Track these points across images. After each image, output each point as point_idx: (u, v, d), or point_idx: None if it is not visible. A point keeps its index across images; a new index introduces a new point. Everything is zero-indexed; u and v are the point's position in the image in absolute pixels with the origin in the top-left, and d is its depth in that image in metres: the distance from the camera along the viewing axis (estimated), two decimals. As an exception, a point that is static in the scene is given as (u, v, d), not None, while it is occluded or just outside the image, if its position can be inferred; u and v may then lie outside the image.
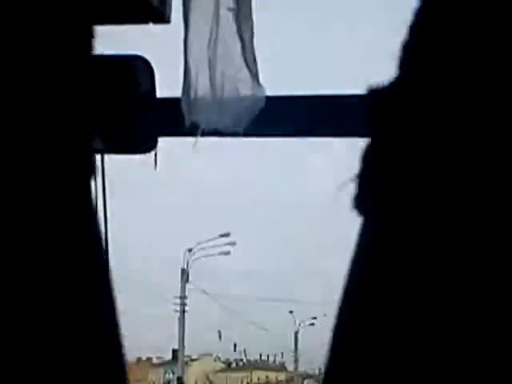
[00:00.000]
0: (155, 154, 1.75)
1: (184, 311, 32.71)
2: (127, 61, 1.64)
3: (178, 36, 1.47)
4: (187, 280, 33.62)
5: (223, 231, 31.62)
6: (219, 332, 43.79)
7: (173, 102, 1.55)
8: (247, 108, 1.23)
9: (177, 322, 32.45)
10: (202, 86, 1.25)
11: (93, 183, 0.69)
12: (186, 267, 33.61)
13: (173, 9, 1.55)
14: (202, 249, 33.13)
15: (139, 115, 1.67)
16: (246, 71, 1.23)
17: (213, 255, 33.95)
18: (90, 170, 0.70)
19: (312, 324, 43.56)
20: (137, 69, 1.62)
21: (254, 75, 1.24)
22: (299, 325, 43.57)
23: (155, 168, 1.76)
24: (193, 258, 32.94)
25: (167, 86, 1.69)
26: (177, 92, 1.55)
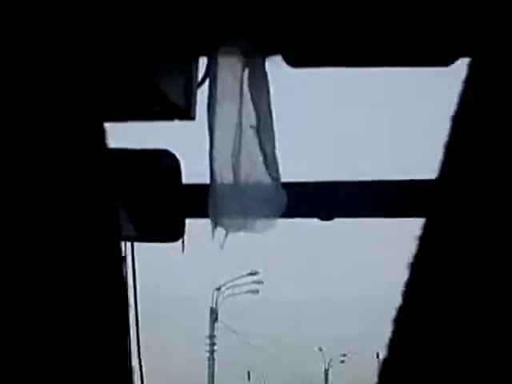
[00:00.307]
0: (183, 239, 1.81)
1: (213, 351, 32.60)
2: (156, 154, 1.72)
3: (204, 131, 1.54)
4: (216, 319, 33.56)
5: (251, 269, 31.58)
6: (248, 372, 43.55)
7: (199, 188, 1.62)
8: (269, 213, 1.28)
9: (206, 361, 32.35)
10: (226, 192, 1.31)
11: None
12: (214, 306, 33.57)
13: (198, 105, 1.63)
14: (231, 287, 33.09)
15: (167, 203, 1.74)
16: (268, 179, 1.29)
17: (240, 294, 33.90)
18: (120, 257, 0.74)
19: (342, 361, 43.16)
20: (164, 162, 1.70)
21: (277, 182, 1.30)
22: (329, 362, 43.21)
23: (183, 252, 1.82)
24: (221, 296, 32.93)
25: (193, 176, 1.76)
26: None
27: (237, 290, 33.08)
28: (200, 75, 1.55)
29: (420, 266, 0.56)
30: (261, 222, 1.33)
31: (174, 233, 1.76)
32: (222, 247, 1.38)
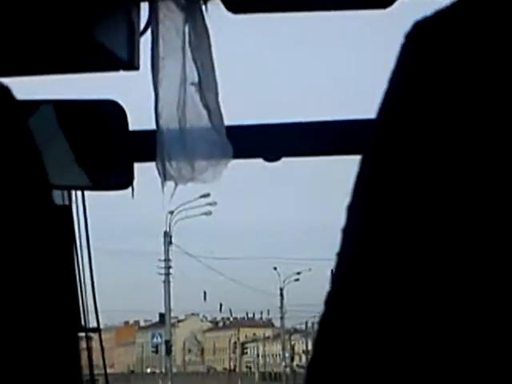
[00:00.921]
0: (133, 185, 1.85)
1: (168, 274, 32.90)
2: (100, 104, 1.74)
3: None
4: (170, 242, 33.77)
5: (203, 192, 31.67)
6: (204, 292, 44.11)
7: (147, 133, 1.65)
8: (216, 157, 1.32)
9: (162, 285, 32.66)
10: (173, 146, 1.34)
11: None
12: (168, 229, 33.73)
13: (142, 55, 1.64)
14: (184, 210, 33.18)
15: (114, 150, 1.77)
16: (213, 133, 1.33)
17: (194, 216, 34.03)
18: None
19: (297, 280, 43.94)
20: (109, 110, 1.72)
21: (221, 135, 1.34)
22: (284, 281, 43.92)
23: (132, 197, 1.86)
24: (174, 220, 33.07)
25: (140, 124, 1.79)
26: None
27: (190, 213, 33.22)
28: (142, 25, 1.57)
29: (358, 206, 0.57)
30: (208, 174, 1.37)
31: (124, 179, 1.79)
32: (171, 196, 1.42)
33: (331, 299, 0.57)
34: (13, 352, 0.63)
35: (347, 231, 0.57)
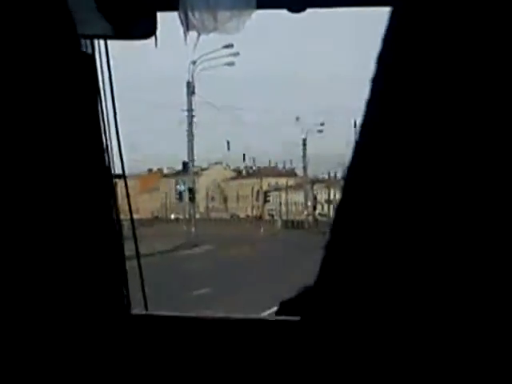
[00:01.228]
0: (156, 35, 1.84)
1: (192, 123, 32.96)
2: None
3: None
4: (193, 93, 33.61)
5: (226, 42, 31.19)
6: (228, 142, 44.24)
7: None
8: (239, 16, 1.31)
9: (186, 134, 32.79)
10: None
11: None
12: (191, 80, 33.50)
13: None
14: (206, 60, 32.81)
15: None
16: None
17: (216, 67, 33.68)
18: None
19: (320, 131, 43.83)
20: None
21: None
22: (307, 132, 43.83)
23: (156, 46, 1.85)
24: (197, 70, 32.79)
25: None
26: None
27: (213, 63, 32.85)
28: None
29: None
30: (231, 24, 1.35)
31: (147, 28, 1.78)
32: (194, 48, 1.41)
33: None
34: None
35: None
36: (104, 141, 1.81)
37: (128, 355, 0.78)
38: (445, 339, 0.53)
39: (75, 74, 0.70)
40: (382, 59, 0.56)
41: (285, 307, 1.18)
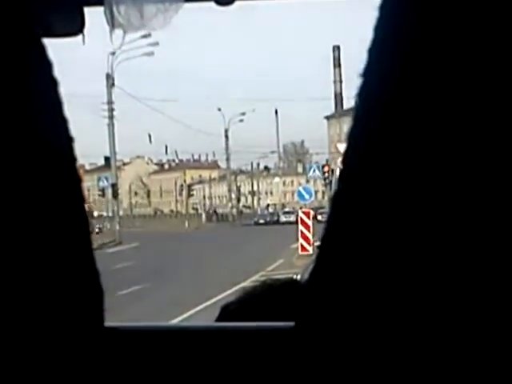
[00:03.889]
0: (83, 32, 1.65)
1: (112, 117, 32.67)
2: None
3: None
4: (113, 84, 33.38)
5: (143, 32, 31.08)
6: (149, 135, 44.03)
7: None
8: (166, 11, 1.10)
9: (106, 128, 32.49)
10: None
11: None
12: (110, 71, 33.27)
13: None
14: (125, 52, 32.73)
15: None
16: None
17: (135, 57, 33.72)
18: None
19: (241, 120, 44.01)
20: None
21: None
22: (228, 122, 44.02)
23: (84, 44, 1.67)
24: (116, 62, 32.57)
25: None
26: None
27: (131, 54, 32.74)
28: None
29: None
30: (157, 20, 1.14)
31: (74, 24, 1.57)
32: (120, 46, 1.15)
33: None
34: None
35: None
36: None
37: (103, 370, 0.70)
38: (444, 343, 0.54)
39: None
40: (373, 51, 0.57)
41: (226, 312, 1.12)
